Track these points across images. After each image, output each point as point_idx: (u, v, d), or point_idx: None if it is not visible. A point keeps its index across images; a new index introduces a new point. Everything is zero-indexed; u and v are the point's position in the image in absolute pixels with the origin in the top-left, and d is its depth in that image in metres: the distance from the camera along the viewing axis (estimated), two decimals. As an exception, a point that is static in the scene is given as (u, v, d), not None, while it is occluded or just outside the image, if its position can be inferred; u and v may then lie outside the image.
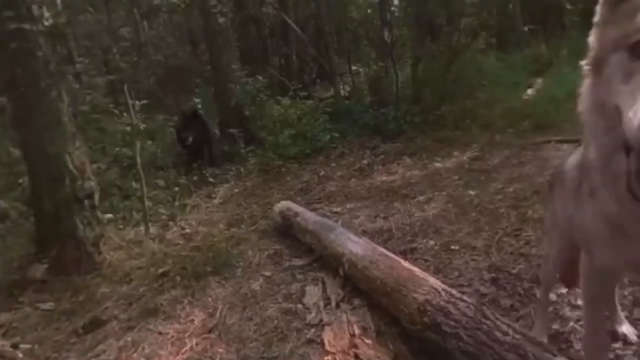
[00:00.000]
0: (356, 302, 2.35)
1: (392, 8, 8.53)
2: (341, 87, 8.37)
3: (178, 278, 2.88)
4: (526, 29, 10.70)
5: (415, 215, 3.45)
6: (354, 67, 8.37)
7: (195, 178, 5.34)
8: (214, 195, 4.88)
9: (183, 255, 3.15)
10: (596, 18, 0.98)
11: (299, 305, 2.46)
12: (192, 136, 5.59)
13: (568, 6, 11.50)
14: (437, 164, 4.77)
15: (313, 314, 2.34)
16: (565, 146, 4.13)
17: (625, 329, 1.76)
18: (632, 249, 1.03)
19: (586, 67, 0.98)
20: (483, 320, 1.63)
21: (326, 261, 2.77)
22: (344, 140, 6.25)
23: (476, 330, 1.60)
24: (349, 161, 5.57)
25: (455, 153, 5.00)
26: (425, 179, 4.34)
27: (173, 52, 10.40)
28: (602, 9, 0.96)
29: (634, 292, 1.99)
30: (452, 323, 1.69)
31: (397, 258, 2.31)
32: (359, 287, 2.37)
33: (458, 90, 6.97)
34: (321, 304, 2.42)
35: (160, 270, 2.99)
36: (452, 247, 2.80)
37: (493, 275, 2.40)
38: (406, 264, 2.22)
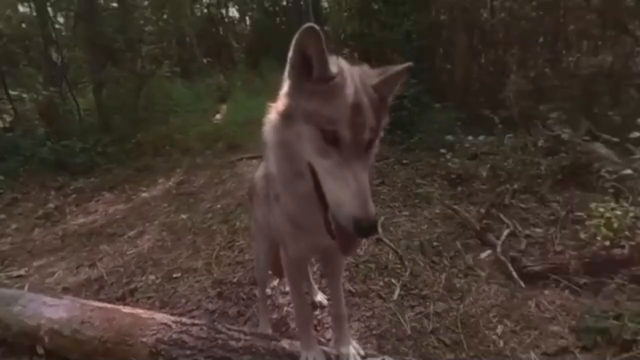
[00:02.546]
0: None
1: (57, 26, 7.41)
2: (-3, 116, 6.54)
3: None
4: (205, 60, 11.85)
5: (128, 253, 3.14)
6: (13, 92, 6.72)
7: None
8: None
9: None
10: (287, 78, 1.06)
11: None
12: None
13: (235, 44, 13.59)
14: (143, 194, 4.53)
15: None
16: (254, 161, 4.84)
17: (319, 297, 2.26)
18: (310, 240, 1.34)
19: (276, 110, 1.10)
20: (217, 335, 1.68)
21: (14, 344, 2.09)
22: (14, 183, 4.93)
23: (213, 349, 1.64)
24: (26, 208, 4.43)
25: (160, 180, 4.91)
26: (132, 212, 4.02)
27: None
28: (291, 76, 1.04)
29: (319, 267, 2.58)
30: (189, 352, 1.65)
31: (115, 306, 2.03)
32: (71, 358, 1.92)
33: (150, 117, 6.88)
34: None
35: None
36: (175, 275, 2.74)
37: (218, 289, 2.51)
38: (127, 309, 1.98)
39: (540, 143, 3.59)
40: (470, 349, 1.84)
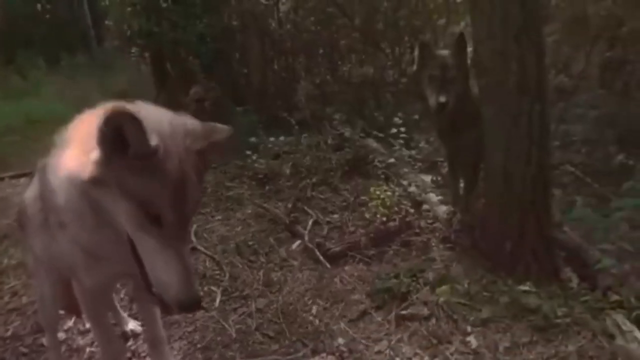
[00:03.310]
0: None
1: None
2: None
3: None
4: None
5: None
6: None
7: None
8: None
9: None
10: (97, 143, 0.88)
11: None
12: None
13: None
14: None
15: None
16: (22, 180, 3.88)
17: (131, 325, 2.00)
18: (110, 269, 1.21)
19: (77, 172, 0.93)
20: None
21: None
22: None
23: None
24: None
25: None
26: None
27: None
28: (102, 147, 0.88)
29: (127, 292, 2.28)
30: None
31: None
32: None
33: None
34: None
35: None
36: None
37: (-19, 353, 1.92)
38: None
39: (329, 141, 4.13)
40: (292, 334, 1.97)
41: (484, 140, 2.22)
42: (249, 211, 3.26)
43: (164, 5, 5.65)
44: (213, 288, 2.34)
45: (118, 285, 2.22)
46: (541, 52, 2.06)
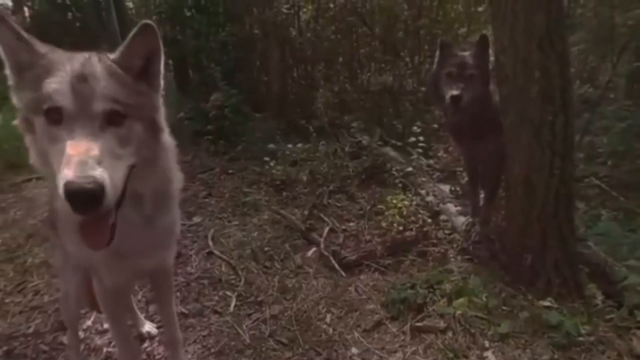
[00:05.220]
0: None
1: None
2: None
3: None
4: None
5: None
6: None
7: None
8: None
9: None
10: (10, 82, 0.99)
11: None
12: None
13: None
14: None
15: None
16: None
17: (147, 327, 2.03)
18: (129, 265, 1.22)
19: (20, 126, 1.01)
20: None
21: None
22: None
23: None
24: None
25: None
26: None
27: None
28: (11, 74, 0.98)
29: (144, 294, 2.32)
30: None
31: None
32: None
33: None
34: None
35: None
36: None
37: (5, 348, 1.98)
38: None
39: (347, 148, 4.13)
40: (305, 342, 1.96)
41: (505, 149, 2.17)
42: (266, 217, 3.28)
43: (189, 14, 5.80)
44: (228, 293, 2.36)
45: (136, 287, 2.26)
46: (566, 61, 2.01)
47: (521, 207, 2.12)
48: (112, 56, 1.01)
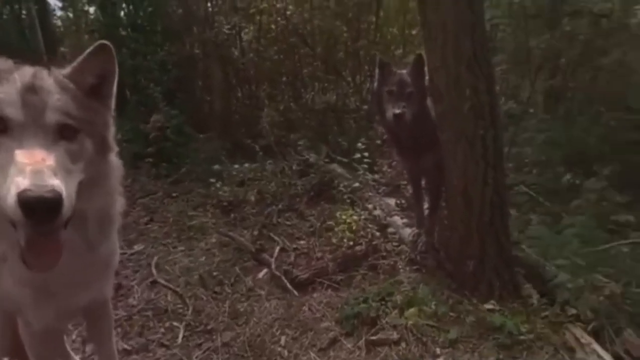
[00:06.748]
0: None
1: None
2: None
3: None
4: None
5: None
6: None
7: None
8: None
9: None
10: None
11: None
12: None
13: None
14: None
15: None
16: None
17: (84, 369, 1.85)
18: (60, 303, 1.12)
19: None
20: None
21: None
22: None
23: None
24: None
25: None
26: None
27: None
28: None
29: (80, 332, 2.12)
30: None
31: None
32: None
33: None
34: None
35: None
36: None
37: None
38: None
39: (294, 166, 4.14)
40: (260, 368, 1.90)
41: (444, 163, 2.31)
42: (214, 240, 3.17)
43: (124, 33, 5.59)
44: (175, 323, 2.23)
45: (69, 326, 2.07)
46: (492, 80, 2.20)
47: (461, 216, 2.25)
48: (63, 71, 1.00)
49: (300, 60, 5.70)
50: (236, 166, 4.16)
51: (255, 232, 3.13)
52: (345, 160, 4.16)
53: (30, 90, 0.90)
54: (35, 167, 0.81)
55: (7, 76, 0.91)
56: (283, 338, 2.09)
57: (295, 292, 2.43)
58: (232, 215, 3.57)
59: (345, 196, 3.46)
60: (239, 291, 2.52)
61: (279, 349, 2.02)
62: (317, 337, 2.06)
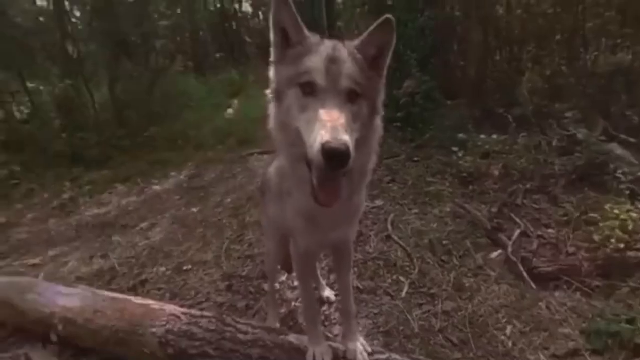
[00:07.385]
0: (83, 365, 1.94)
1: (74, 20, 7.52)
2: (15, 108, 6.66)
3: None
4: (218, 55, 11.90)
5: (140, 244, 3.20)
6: (30, 85, 6.84)
7: None
8: None
9: None
10: (272, 58, 1.20)
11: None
12: None
13: (248, 39, 13.62)
14: (156, 187, 4.59)
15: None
16: (265, 157, 4.86)
17: (327, 293, 2.26)
18: (321, 234, 1.37)
19: (270, 96, 1.21)
20: (225, 328, 1.70)
21: (28, 331, 2.15)
22: (31, 174, 5.04)
23: (221, 341, 1.66)
24: (42, 198, 4.53)
25: (173, 174, 4.97)
26: (145, 205, 4.08)
27: None
28: (275, 51, 1.18)
29: (328, 263, 2.58)
30: (197, 343, 1.68)
31: (127, 297, 2.07)
32: (83, 346, 1.97)
33: (164, 112, 6.93)
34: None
35: None
36: (185, 267, 2.77)
37: (227, 283, 2.54)
38: (139, 300, 2.02)
39: (554, 142, 3.54)
40: (478, 348, 1.83)
41: None
42: (448, 209, 3.15)
43: (390, 3, 5.92)
44: (401, 278, 2.39)
45: (321, 257, 2.54)
46: None
47: None
48: (353, 43, 1.17)
49: (585, 11, 4.61)
50: (482, 136, 3.90)
51: (494, 210, 2.91)
52: (632, 139, 3.22)
53: (332, 60, 1.09)
54: (334, 124, 1.00)
55: (317, 48, 1.12)
56: (509, 328, 1.93)
57: (533, 284, 2.17)
58: (471, 187, 3.42)
59: (624, 186, 2.73)
60: (466, 265, 2.45)
61: (502, 337, 1.88)
62: (551, 341, 1.80)
